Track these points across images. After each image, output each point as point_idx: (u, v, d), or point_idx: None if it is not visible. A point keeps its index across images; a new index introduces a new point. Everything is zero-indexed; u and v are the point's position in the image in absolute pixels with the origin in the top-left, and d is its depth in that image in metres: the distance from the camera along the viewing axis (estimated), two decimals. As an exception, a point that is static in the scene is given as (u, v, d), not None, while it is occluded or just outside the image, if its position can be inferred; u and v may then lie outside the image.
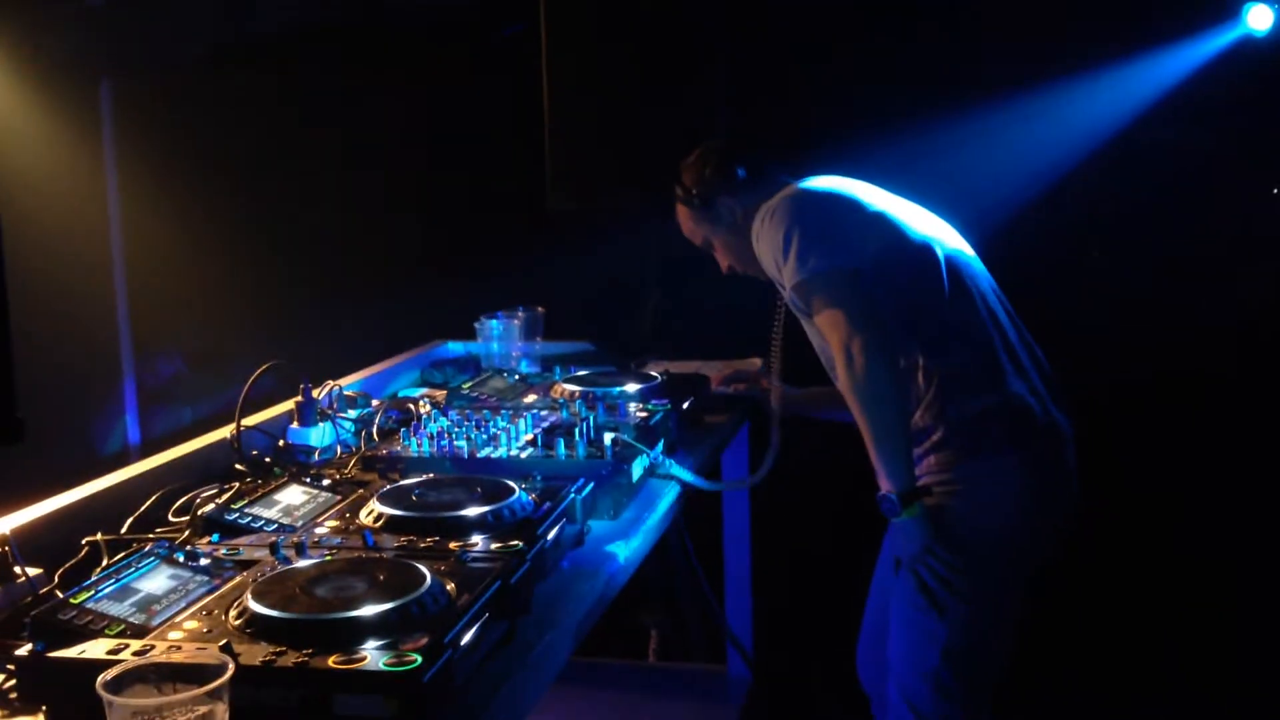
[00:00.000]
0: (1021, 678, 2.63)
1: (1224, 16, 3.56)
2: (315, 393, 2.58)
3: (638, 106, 3.42)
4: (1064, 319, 3.70)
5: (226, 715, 1.22)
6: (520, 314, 3.26)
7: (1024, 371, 2.49)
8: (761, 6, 3.75)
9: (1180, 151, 3.64)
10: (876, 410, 2.31)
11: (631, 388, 2.72)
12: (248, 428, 2.49)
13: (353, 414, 2.69)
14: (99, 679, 1.21)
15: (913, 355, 2.45)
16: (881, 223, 2.48)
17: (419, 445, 2.31)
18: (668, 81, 3.38)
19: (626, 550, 2.01)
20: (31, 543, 1.91)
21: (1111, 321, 3.76)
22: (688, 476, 2.36)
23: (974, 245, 2.61)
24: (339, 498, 2.03)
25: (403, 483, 2.04)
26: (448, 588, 1.56)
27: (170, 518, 2.09)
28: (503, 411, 2.52)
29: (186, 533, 1.90)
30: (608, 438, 2.24)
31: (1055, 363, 2.54)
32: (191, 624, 1.47)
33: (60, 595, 1.55)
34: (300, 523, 1.90)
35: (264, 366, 2.52)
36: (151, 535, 1.96)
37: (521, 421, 2.42)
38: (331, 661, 1.33)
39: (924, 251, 2.49)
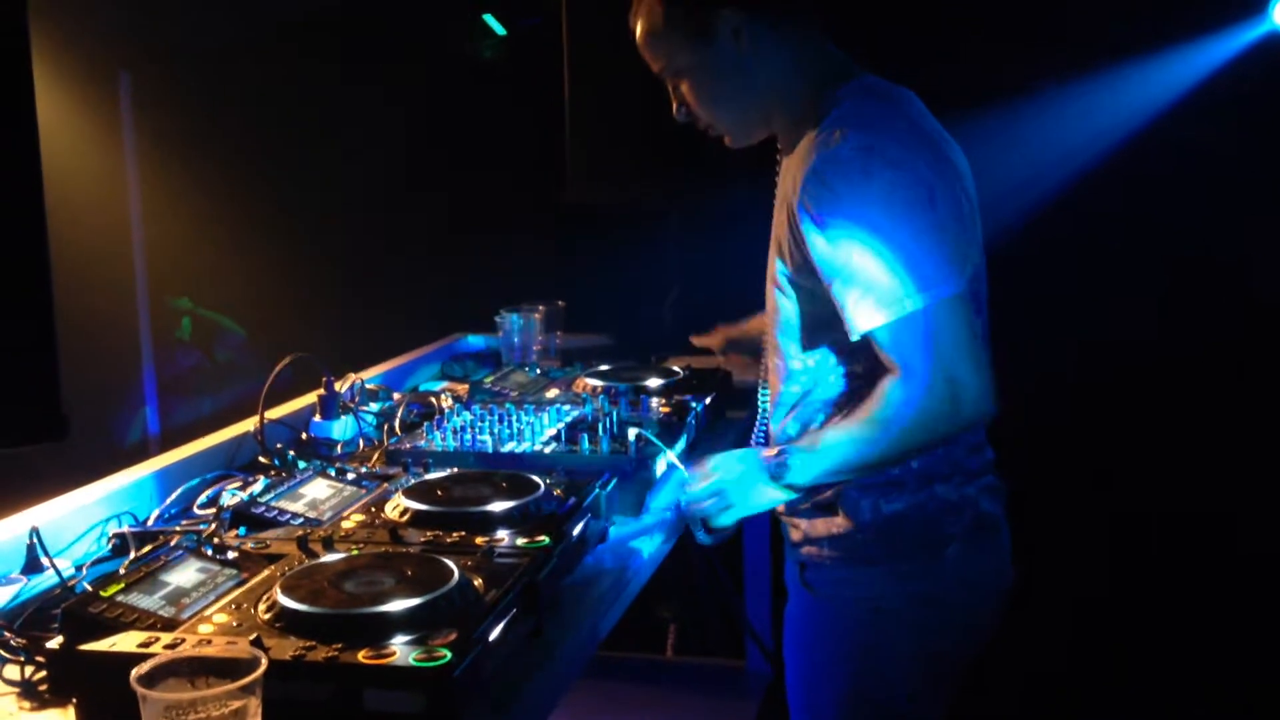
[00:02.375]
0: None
1: (1250, 13, 3.55)
2: (337, 385, 2.59)
3: (658, 101, 3.40)
4: (1084, 315, 3.69)
5: (259, 710, 1.22)
6: (540, 308, 3.26)
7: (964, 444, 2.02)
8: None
9: (1205, 148, 3.62)
10: (897, 446, 1.84)
11: (654, 383, 2.72)
12: (270, 420, 2.49)
13: (374, 407, 2.70)
14: (133, 672, 1.21)
15: None
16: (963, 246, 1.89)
17: (443, 439, 2.31)
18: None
19: (650, 546, 2.01)
20: (58, 534, 1.92)
21: (1132, 317, 3.75)
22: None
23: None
24: (364, 491, 2.03)
25: (428, 477, 2.04)
26: (475, 583, 1.56)
27: (195, 510, 2.10)
28: (525, 406, 2.52)
29: (213, 525, 1.90)
30: (631, 433, 2.24)
31: (1071, 358, 2.47)
32: (221, 617, 1.48)
33: (89, 588, 1.55)
34: (326, 516, 1.90)
35: (287, 359, 2.52)
36: (178, 528, 1.97)
37: (545, 416, 2.42)
38: (361, 656, 1.34)
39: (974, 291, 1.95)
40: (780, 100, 1.99)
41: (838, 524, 2.01)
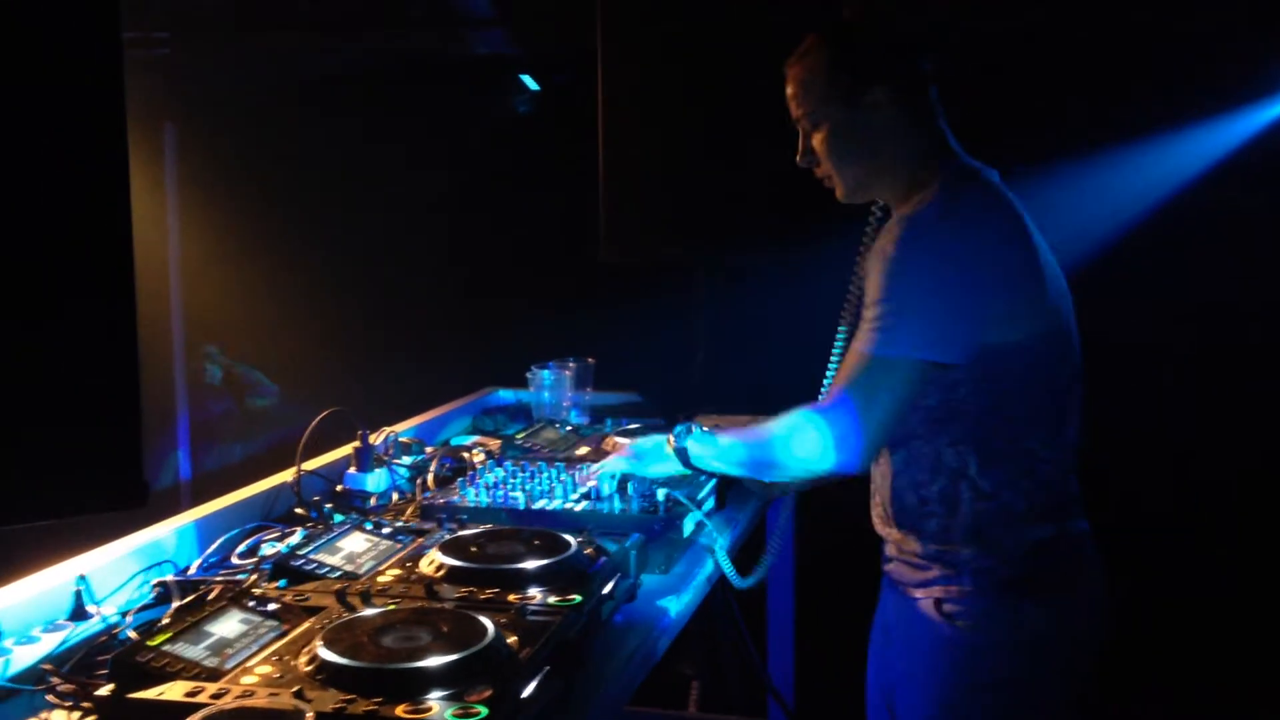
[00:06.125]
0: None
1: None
2: (372, 438, 2.64)
3: (694, 161, 3.46)
4: (1115, 385, 3.71)
5: (303, 761, 1.26)
6: (571, 364, 3.31)
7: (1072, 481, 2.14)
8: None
9: (1237, 218, 3.66)
10: (784, 471, 2.11)
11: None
12: (306, 472, 2.55)
13: (407, 460, 2.75)
14: (185, 723, 1.26)
15: (964, 462, 2.06)
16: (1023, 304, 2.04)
17: (476, 495, 2.35)
18: (726, 136, 3.42)
19: (678, 605, 2.04)
20: (101, 582, 1.97)
21: (1164, 388, 3.77)
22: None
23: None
24: (399, 546, 2.08)
25: (461, 533, 2.08)
26: (509, 640, 1.60)
27: (234, 559, 2.15)
28: (556, 463, 2.56)
29: (254, 576, 1.95)
30: (660, 493, 2.28)
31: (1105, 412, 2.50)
32: (263, 669, 1.52)
33: (134, 636, 1.60)
34: (363, 570, 1.95)
35: (325, 412, 2.58)
36: (219, 578, 2.02)
37: (575, 474, 2.46)
38: (400, 711, 1.38)
39: (1056, 347, 2.09)
40: (896, 167, 2.14)
41: (982, 556, 2.06)
